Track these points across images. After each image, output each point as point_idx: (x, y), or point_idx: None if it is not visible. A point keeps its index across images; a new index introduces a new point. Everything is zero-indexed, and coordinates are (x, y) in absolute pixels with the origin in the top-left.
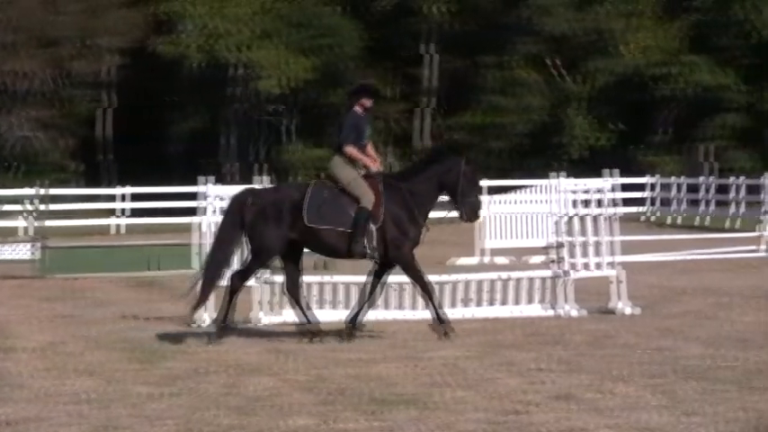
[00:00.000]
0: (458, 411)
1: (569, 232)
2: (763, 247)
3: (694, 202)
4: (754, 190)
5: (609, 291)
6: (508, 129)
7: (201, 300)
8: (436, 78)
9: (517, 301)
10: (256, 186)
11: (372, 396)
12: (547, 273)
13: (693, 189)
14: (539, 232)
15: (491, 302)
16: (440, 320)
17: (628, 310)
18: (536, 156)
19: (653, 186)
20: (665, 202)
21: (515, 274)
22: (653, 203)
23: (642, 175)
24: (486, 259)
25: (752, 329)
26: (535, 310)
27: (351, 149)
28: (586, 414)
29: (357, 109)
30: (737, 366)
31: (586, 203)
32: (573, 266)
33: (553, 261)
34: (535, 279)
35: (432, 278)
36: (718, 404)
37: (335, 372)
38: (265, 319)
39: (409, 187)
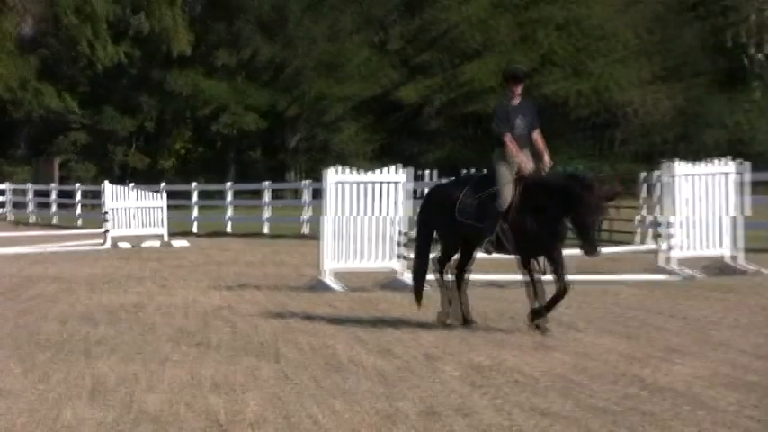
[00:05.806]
0: None
1: None
2: (108, 242)
3: (45, 205)
4: (95, 195)
5: None
6: None
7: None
8: None
9: None
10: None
11: None
12: None
13: (44, 194)
14: None
15: None
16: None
17: None
18: None
19: (11, 192)
20: (20, 205)
21: None
22: (12, 206)
23: (2, 182)
24: None
25: (94, 308)
26: None
27: (508, 141)
28: None
29: (508, 97)
30: (84, 339)
31: None
32: None
33: None
34: None
35: None
36: (66, 371)
37: None
38: None
39: (541, 198)
